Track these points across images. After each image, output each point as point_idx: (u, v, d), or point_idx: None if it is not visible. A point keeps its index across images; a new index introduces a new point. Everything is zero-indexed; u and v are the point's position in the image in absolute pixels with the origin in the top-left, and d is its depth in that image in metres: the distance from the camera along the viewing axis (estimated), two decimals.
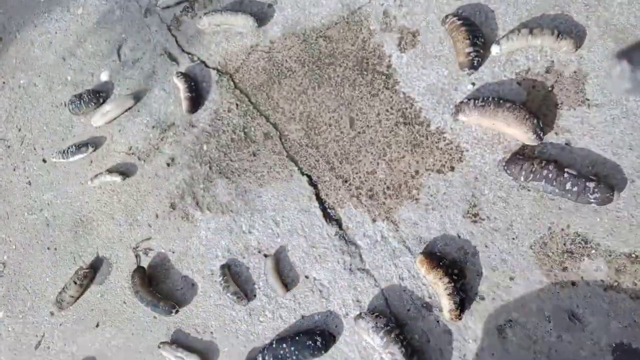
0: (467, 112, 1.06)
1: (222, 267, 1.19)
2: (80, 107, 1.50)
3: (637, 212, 0.95)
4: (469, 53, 1.08)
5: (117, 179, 1.38)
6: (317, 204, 1.18)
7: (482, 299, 1.01)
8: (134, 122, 1.46)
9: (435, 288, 0.99)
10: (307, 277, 1.15)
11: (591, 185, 0.94)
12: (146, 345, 1.26)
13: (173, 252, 1.30)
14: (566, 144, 1.02)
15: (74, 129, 1.55)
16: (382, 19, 1.24)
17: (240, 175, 1.28)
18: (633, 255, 0.94)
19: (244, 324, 1.18)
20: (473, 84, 1.12)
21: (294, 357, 1.05)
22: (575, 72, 1.04)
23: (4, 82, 1.74)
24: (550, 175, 0.97)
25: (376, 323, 1.00)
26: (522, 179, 1.00)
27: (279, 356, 1.06)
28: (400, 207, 1.12)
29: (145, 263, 1.31)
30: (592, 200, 0.94)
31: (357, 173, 1.17)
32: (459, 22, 1.11)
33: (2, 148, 1.66)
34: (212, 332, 1.20)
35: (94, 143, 1.47)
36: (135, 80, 1.50)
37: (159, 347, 1.19)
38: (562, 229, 0.99)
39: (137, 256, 1.33)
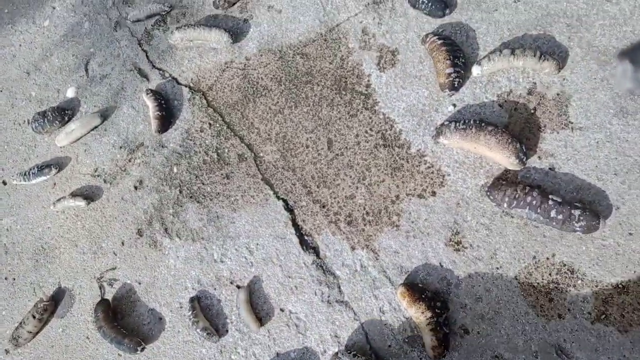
0: (448, 135, 1.02)
1: (192, 299, 1.12)
2: (44, 126, 1.41)
3: (623, 240, 0.92)
4: (449, 74, 1.05)
5: (82, 203, 1.30)
6: (293, 231, 1.13)
7: (467, 332, 0.96)
8: (100, 142, 1.38)
9: (418, 323, 0.94)
10: (282, 310, 1.09)
11: (576, 212, 0.90)
12: None
13: (139, 283, 1.22)
14: (550, 168, 0.98)
15: (37, 149, 1.47)
16: (361, 36, 1.20)
17: (213, 200, 1.21)
18: (620, 286, 0.90)
19: None
20: (454, 105, 1.08)
21: None
22: (558, 94, 1.01)
23: None
24: (534, 202, 0.93)
25: None
26: (505, 205, 0.96)
27: None
28: (380, 234, 1.06)
29: (109, 295, 1.23)
30: (578, 229, 0.91)
31: (335, 198, 1.12)
32: (439, 42, 1.07)
33: None
34: None
35: (58, 164, 1.39)
36: (102, 97, 1.43)
37: None
38: (547, 258, 0.95)
39: (101, 287, 1.24)
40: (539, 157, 1.00)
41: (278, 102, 1.23)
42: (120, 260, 1.25)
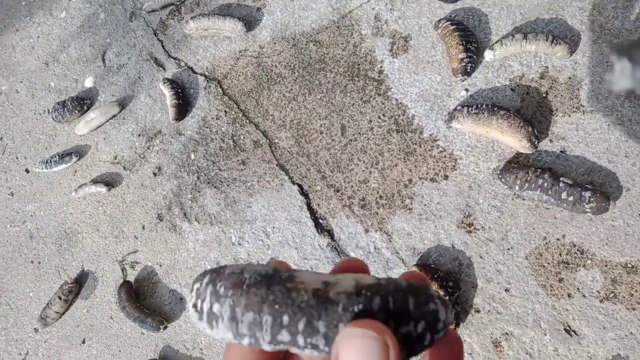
0: (460, 119, 1.04)
1: None
2: (64, 115, 1.45)
3: (633, 221, 0.93)
4: (462, 59, 1.06)
5: (102, 189, 1.34)
6: (308, 214, 1.16)
7: (478, 311, 0.99)
8: (119, 130, 1.42)
9: None
10: None
11: (587, 194, 0.92)
12: None
13: (160, 265, 1.26)
14: (561, 151, 1.00)
15: (57, 138, 1.51)
16: (373, 23, 1.22)
17: (230, 185, 1.25)
18: (629, 265, 0.92)
19: None
20: (466, 90, 1.10)
21: None
22: (569, 77, 1.03)
23: None
24: (545, 184, 0.95)
25: None
26: (517, 188, 0.98)
27: None
28: (393, 217, 1.09)
29: (131, 277, 1.27)
30: (588, 210, 0.93)
31: (349, 182, 1.15)
32: (452, 27, 1.08)
33: None
34: (201, 349, 1.17)
35: (78, 152, 1.43)
36: (120, 87, 1.46)
37: None
38: (558, 239, 0.97)
39: (123, 270, 1.29)
40: (550, 140, 1.01)
41: (292, 90, 1.26)
42: (141, 244, 1.30)
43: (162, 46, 1.44)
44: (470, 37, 1.08)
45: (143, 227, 1.31)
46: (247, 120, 1.28)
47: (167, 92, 1.33)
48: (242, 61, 1.33)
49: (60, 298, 1.28)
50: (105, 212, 1.36)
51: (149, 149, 1.36)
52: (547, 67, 1.05)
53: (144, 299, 1.25)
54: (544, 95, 1.03)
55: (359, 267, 0.30)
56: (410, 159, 1.11)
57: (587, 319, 0.92)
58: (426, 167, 1.09)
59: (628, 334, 0.90)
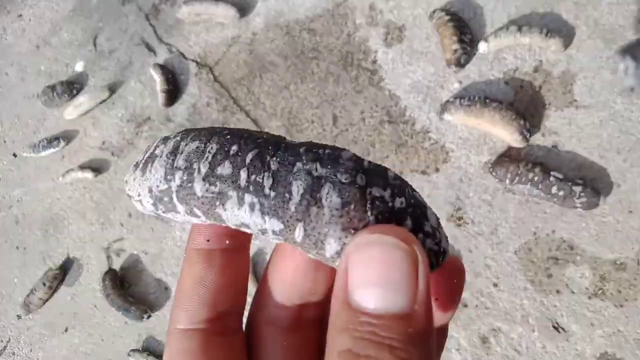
0: (452, 111, 1.03)
1: None
2: (54, 99, 1.43)
3: (623, 217, 0.93)
4: (455, 50, 1.05)
5: (89, 175, 1.32)
6: None
7: (465, 306, 0.98)
8: (108, 115, 1.39)
9: None
10: None
11: (577, 189, 0.91)
12: (115, 351, 1.21)
13: (146, 254, 1.24)
14: (553, 146, 0.99)
15: (46, 122, 1.48)
16: (368, 12, 1.20)
17: None
18: (617, 262, 0.91)
19: None
20: (460, 82, 1.08)
21: None
22: (563, 72, 1.01)
23: None
24: (536, 178, 0.94)
25: None
26: (507, 181, 0.97)
27: None
28: None
29: (117, 265, 1.26)
30: (578, 205, 0.92)
31: None
32: (446, 18, 1.07)
33: None
34: None
35: (66, 137, 1.41)
36: (110, 72, 1.44)
37: (129, 355, 1.14)
38: (548, 234, 0.96)
39: (108, 257, 1.27)
40: (542, 134, 1.00)
41: (284, 78, 1.24)
42: (127, 232, 1.28)
43: (154, 31, 1.42)
44: (464, 29, 1.07)
45: (129, 215, 1.29)
46: (238, 108, 1.26)
47: (157, 78, 1.31)
48: (234, 48, 1.31)
49: (44, 284, 1.26)
50: (92, 198, 1.35)
51: (137, 134, 1.34)
52: (541, 61, 1.03)
53: (129, 287, 1.23)
54: (538, 89, 1.02)
55: None
56: (401, 151, 1.09)
57: (576, 315, 0.92)
58: (417, 159, 1.08)
59: (616, 331, 0.89)
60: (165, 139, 0.24)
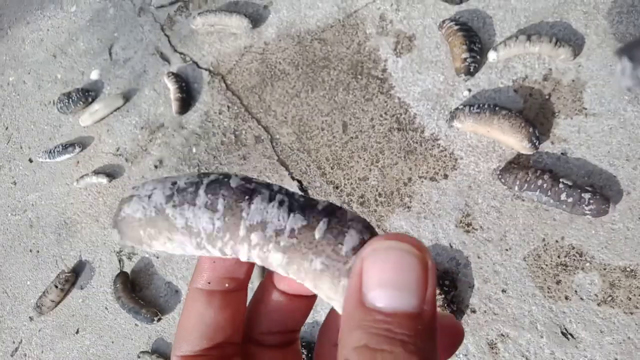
0: (462, 118, 1.04)
1: None
2: (69, 106, 1.47)
3: (632, 224, 0.92)
4: (465, 59, 1.06)
5: (103, 180, 1.34)
6: None
7: (474, 311, 0.97)
8: (122, 123, 1.42)
9: None
10: None
11: (587, 196, 0.91)
12: (125, 354, 1.22)
13: (157, 257, 1.26)
14: (562, 153, 0.99)
15: (61, 129, 1.52)
16: (378, 22, 1.22)
17: None
18: (628, 269, 0.91)
19: None
20: (469, 90, 1.09)
21: None
22: (573, 80, 1.02)
23: None
24: (545, 185, 0.94)
25: None
26: (516, 188, 0.97)
27: None
28: (392, 215, 1.09)
29: (128, 268, 1.27)
30: (588, 212, 0.92)
31: (348, 179, 1.14)
32: (456, 27, 1.09)
33: None
34: None
35: (81, 143, 1.44)
36: (125, 80, 1.47)
37: (139, 357, 1.15)
38: (557, 241, 0.96)
39: (120, 261, 1.29)
40: (551, 142, 1.01)
41: (295, 86, 1.26)
42: None
43: (169, 41, 1.45)
44: (474, 38, 1.08)
45: None
46: (250, 116, 1.28)
47: (171, 86, 1.33)
48: (246, 57, 1.34)
49: (56, 287, 1.28)
50: (106, 202, 1.37)
51: (151, 141, 1.37)
52: (550, 69, 1.04)
53: (140, 291, 1.24)
54: (547, 97, 1.03)
55: None
56: (410, 158, 1.10)
57: (585, 322, 0.91)
58: (426, 166, 1.09)
59: (626, 339, 0.88)
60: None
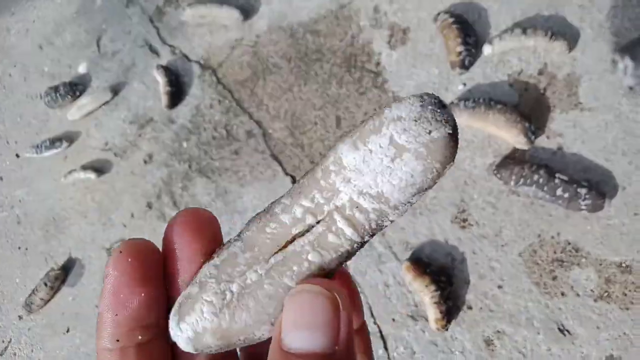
0: (457, 113, 1.03)
1: None
2: (57, 100, 1.43)
3: (628, 220, 0.92)
4: (460, 52, 1.05)
5: (92, 175, 1.32)
6: None
7: (470, 308, 0.97)
8: (111, 117, 1.39)
9: (422, 296, 0.96)
10: None
11: (582, 191, 0.91)
12: None
13: None
14: (558, 148, 0.99)
15: (49, 123, 1.48)
16: (372, 14, 1.20)
17: (221, 175, 1.23)
18: (623, 265, 0.91)
19: None
20: (464, 84, 1.08)
21: None
22: (568, 74, 1.01)
23: None
24: (541, 180, 0.93)
25: None
26: (512, 183, 0.96)
27: None
28: None
29: None
30: (583, 207, 0.91)
31: None
32: (450, 20, 1.07)
33: None
34: None
35: (69, 138, 1.41)
36: (113, 73, 1.44)
37: None
38: (553, 237, 0.96)
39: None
40: (547, 136, 1.00)
41: (287, 80, 1.24)
42: (129, 232, 1.27)
43: (158, 33, 1.42)
44: (469, 31, 1.07)
45: (132, 215, 1.29)
46: (241, 110, 1.26)
47: (160, 80, 1.31)
48: (237, 50, 1.31)
49: (46, 285, 1.25)
50: (94, 199, 1.34)
51: (140, 136, 1.34)
52: (545, 63, 1.03)
53: None
54: (542, 91, 1.02)
55: None
56: None
57: (581, 318, 0.91)
58: None
59: (621, 334, 0.88)
60: None
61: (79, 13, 1.58)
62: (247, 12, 1.31)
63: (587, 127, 0.98)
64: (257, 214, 0.25)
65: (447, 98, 1.08)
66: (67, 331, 1.27)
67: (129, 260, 0.23)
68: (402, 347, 0.99)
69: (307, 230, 0.22)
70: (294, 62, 1.24)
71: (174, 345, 0.23)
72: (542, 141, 1.00)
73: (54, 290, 1.28)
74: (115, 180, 1.33)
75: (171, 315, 0.23)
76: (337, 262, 0.21)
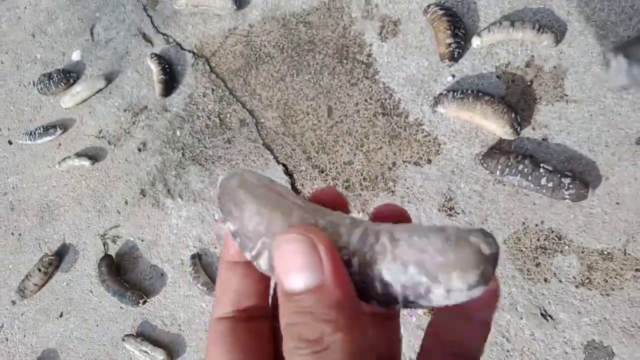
0: (445, 103, 1.05)
1: (193, 257, 1.16)
2: (50, 87, 1.43)
3: (610, 209, 0.95)
4: (449, 44, 1.07)
5: (86, 163, 1.33)
6: None
7: None
8: (105, 105, 1.40)
9: None
10: None
11: (566, 181, 0.93)
12: (110, 337, 1.22)
13: (142, 241, 1.26)
14: (543, 139, 1.01)
15: (42, 110, 1.49)
16: (363, 6, 1.21)
17: (214, 163, 1.24)
18: (605, 252, 0.94)
19: None
20: (453, 75, 1.10)
21: None
22: (554, 67, 1.04)
23: None
24: (525, 170, 0.96)
25: None
26: (498, 173, 0.99)
27: None
28: (376, 199, 1.10)
29: (113, 251, 1.27)
30: (567, 196, 0.94)
31: (333, 163, 1.15)
32: (440, 12, 1.09)
33: None
34: (179, 325, 1.17)
35: (63, 125, 1.41)
36: (107, 61, 1.45)
37: (123, 340, 1.15)
38: (537, 225, 0.98)
39: (104, 244, 1.28)
40: (533, 127, 1.02)
41: (280, 70, 1.25)
42: (123, 219, 1.29)
43: (151, 21, 1.43)
44: (458, 23, 1.09)
45: (126, 202, 1.30)
46: (234, 99, 1.27)
47: (154, 68, 1.31)
48: (231, 39, 1.32)
49: (39, 270, 1.27)
50: (89, 186, 1.35)
51: (134, 124, 1.35)
52: (532, 56, 1.05)
53: (125, 274, 1.24)
54: (529, 83, 1.04)
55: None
56: (395, 143, 1.11)
57: (563, 303, 0.94)
58: (410, 151, 1.10)
59: (602, 320, 0.91)
60: None
61: (72, 1, 1.58)
62: (240, 2, 1.32)
63: (572, 119, 1.00)
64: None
65: (436, 89, 1.10)
66: (61, 316, 1.29)
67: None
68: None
69: None
70: (286, 52, 1.26)
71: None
72: (527, 132, 1.02)
73: (48, 276, 1.30)
74: (110, 168, 1.34)
75: None
76: None
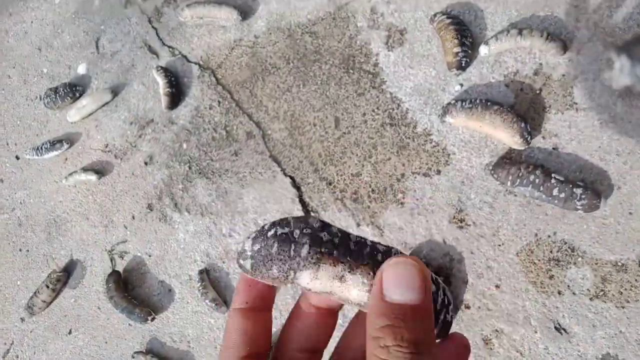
0: (454, 113, 1.04)
1: (201, 272, 1.15)
2: (56, 101, 1.44)
3: (623, 219, 0.93)
4: (457, 53, 1.06)
5: (93, 177, 1.32)
6: (300, 207, 1.15)
7: (468, 307, 0.98)
8: (111, 118, 1.40)
9: None
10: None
11: (578, 191, 0.92)
12: (119, 354, 1.22)
13: (150, 256, 1.25)
14: (554, 148, 1.00)
15: (48, 124, 1.49)
16: (369, 15, 1.21)
17: (221, 176, 1.24)
18: (619, 264, 0.92)
19: (222, 333, 1.15)
20: (461, 85, 1.09)
21: None
22: (563, 75, 1.02)
23: None
24: (537, 180, 0.94)
25: None
26: (508, 183, 0.97)
27: None
28: (385, 211, 1.09)
29: (120, 267, 1.26)
30: (579, 207, 0.92)
31: (341, 175, 1.14)
32: (447, 21, 1.08)
33: None
34: (188, 342, 1.16)
35: (69, 139, 1.41)
36: (113, 74, 1.45)
37: (133, 357, 1.14)
38: (549, 236, 0.97)
39: (112, 259, 1.28)
40: (543, 137, 1.01)
41: (286, 81, 1.25)
42: (130, 234, 1.28)
43: (157, 34, 1.43)
44: (465, 32, 1.08)
45: (133, 217, 1.30)
46: (241, 111, 1.27)
47: (160, 81, 1.31)
48: (236, 51, 1.32)
49: (47, 287, 1.26)
50: (95, 200, 1.35)
51: (140, 137, 1.35)
52: (541, 64, 1.04)
53: (133, 289, 1.24)
54: (538, 91, 1.03)
55: None
56: (403, 153, 1.10)
57: (577, 316, 0.92)
58: (419, 162, 1.08)
59: (617, 333, 0.90)
60: None
61: (77, 14, 1.58)
62: (245, 13, 1.32)
63: (582, 128, 0.99)
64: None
65: (444, 99, 1.09)
66: (70, 333, 1.28)
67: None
68: None
69: None
70: (292, 62, 1.25)
71: None
72: (537, 141, 1.01)
73: (56, 293, 1.29)
74: (116, 182, 1.34)
75: None
76: None
